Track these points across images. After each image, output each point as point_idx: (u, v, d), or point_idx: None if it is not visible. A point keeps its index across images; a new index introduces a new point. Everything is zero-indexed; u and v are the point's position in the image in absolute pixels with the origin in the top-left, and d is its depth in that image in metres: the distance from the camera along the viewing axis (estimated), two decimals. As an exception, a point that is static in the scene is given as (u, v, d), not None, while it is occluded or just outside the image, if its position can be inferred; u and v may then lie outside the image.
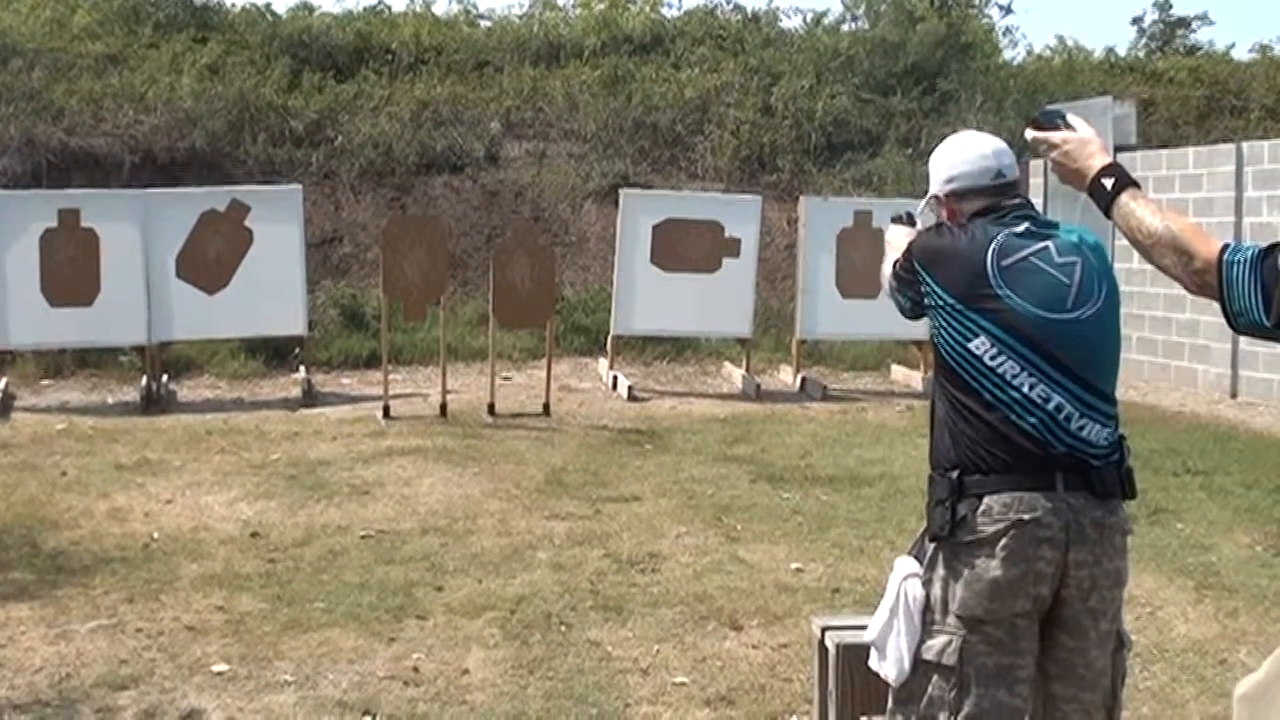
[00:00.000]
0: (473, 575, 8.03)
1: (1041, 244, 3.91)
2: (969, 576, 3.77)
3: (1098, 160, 3.67)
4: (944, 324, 3.92)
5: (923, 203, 4.25)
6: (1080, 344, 3.84)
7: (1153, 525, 9.24)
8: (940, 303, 3.93)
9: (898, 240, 4.42)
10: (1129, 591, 7.50)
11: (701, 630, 7.11)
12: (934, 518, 3.87)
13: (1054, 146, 3.81)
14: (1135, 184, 3.59)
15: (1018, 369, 3.79)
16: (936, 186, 4.15)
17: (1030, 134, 3.93)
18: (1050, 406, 3.78)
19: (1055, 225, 4.04)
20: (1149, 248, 3.43)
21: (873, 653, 4.01)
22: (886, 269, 4.36)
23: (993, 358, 3.80)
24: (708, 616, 7.31)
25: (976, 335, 3.83)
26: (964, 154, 4.13)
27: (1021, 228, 3.94)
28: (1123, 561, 3.92)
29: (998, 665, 3.78)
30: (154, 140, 18.57)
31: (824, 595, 7.67)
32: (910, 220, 4.55)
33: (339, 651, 6.74)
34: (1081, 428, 3.81)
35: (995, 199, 4.04)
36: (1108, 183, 3.60)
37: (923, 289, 4.00)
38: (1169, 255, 3.38)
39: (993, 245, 3.88)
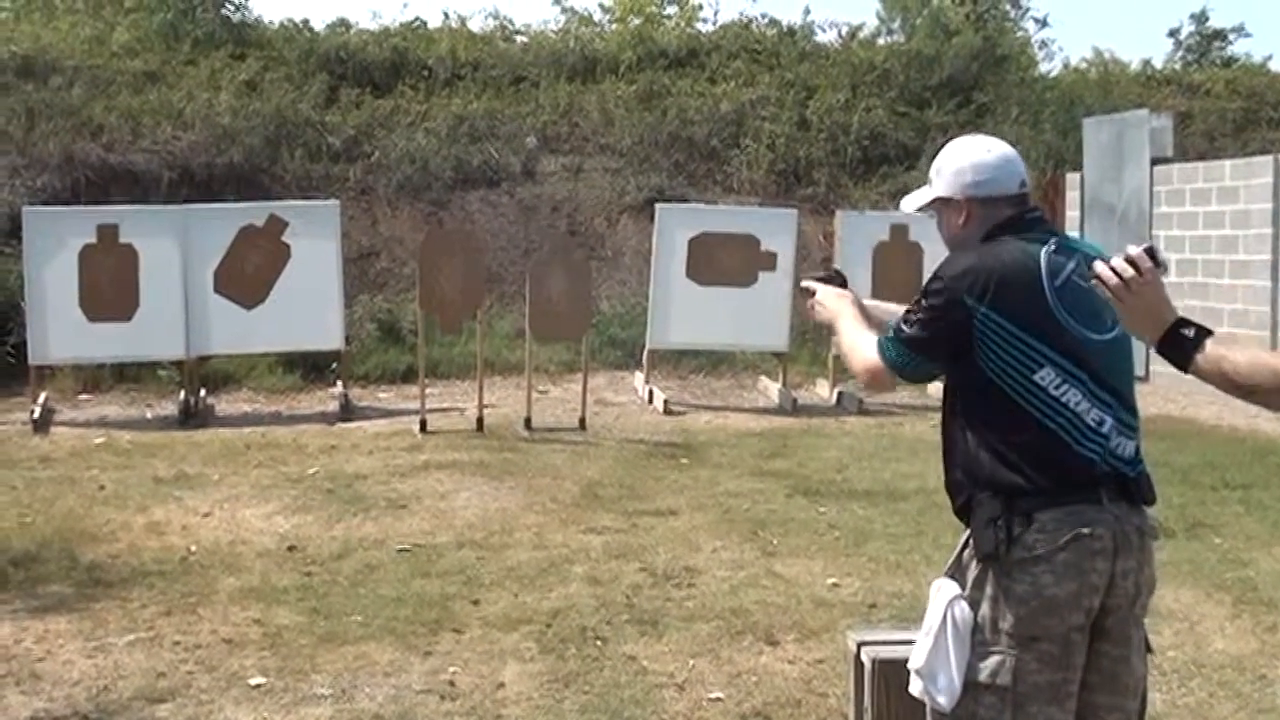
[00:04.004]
0: (508, 589, 8.03)
1: (1073, 258, 3.80)
2: (1024, 593, 3.69)
3: (1169, 311, 3.38)
4: (999, 353, 3.73)
5: (919, 201, 4.12)
6: (1120, 363, 3.82)
7: (1191, 539, 9.19)
8: (997, 332, 3.73)
9: (843, 307, 4.21)
10: (1166, 606, 7.52)
11: (737, 645, 7.09)
12: (985, 537, 3.76)
13: None
14: (1210, 331, 3.42)
15: (1079, 396, 3.71)
16: (954, 189, 3.97)
17: None
18: (1104, 430, 3.75)
19: (1067, 238, 3.97)
20: (1250, 390, 3.33)
21: (915, 680, 3.89)
22: (864, 343, 4.03)
23: (1057, 387, 3.70)
24: (743, 631, 7.29)
25: (1042, 365, 3.71)
26: (989, 157, 3.97)
27: (1054, 242, 3.84)
28: (1154, 567, 3.91)
29: (1050, 682, 3.71)
30: (192, 156, 18.69)
31: (860, 610, 7.64)
32: (842, 280, 4.34)
33: (375, 665, 6.75)
34: (1119, 445, 3.78)
35: (1021, 209, 3.94)
36: (1188, 332, 3.36)
37: (974, 322, 3.74)
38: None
39: (1043, 265, 3.76)
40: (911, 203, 4.16)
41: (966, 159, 3.99)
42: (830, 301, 4.24)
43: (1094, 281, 3.35)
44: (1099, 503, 3.72)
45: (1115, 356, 3.80)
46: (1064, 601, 3.69)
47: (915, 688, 3.92)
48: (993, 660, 3.74)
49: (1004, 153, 3.98)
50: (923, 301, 3.85)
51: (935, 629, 3.82)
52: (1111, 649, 3.80)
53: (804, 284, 4.29)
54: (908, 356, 3.87)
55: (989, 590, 3.76)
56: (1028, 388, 3.72)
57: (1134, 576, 3.78)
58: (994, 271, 3.76)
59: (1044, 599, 3.68)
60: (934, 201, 4.05)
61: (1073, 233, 16.22)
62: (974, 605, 3.79)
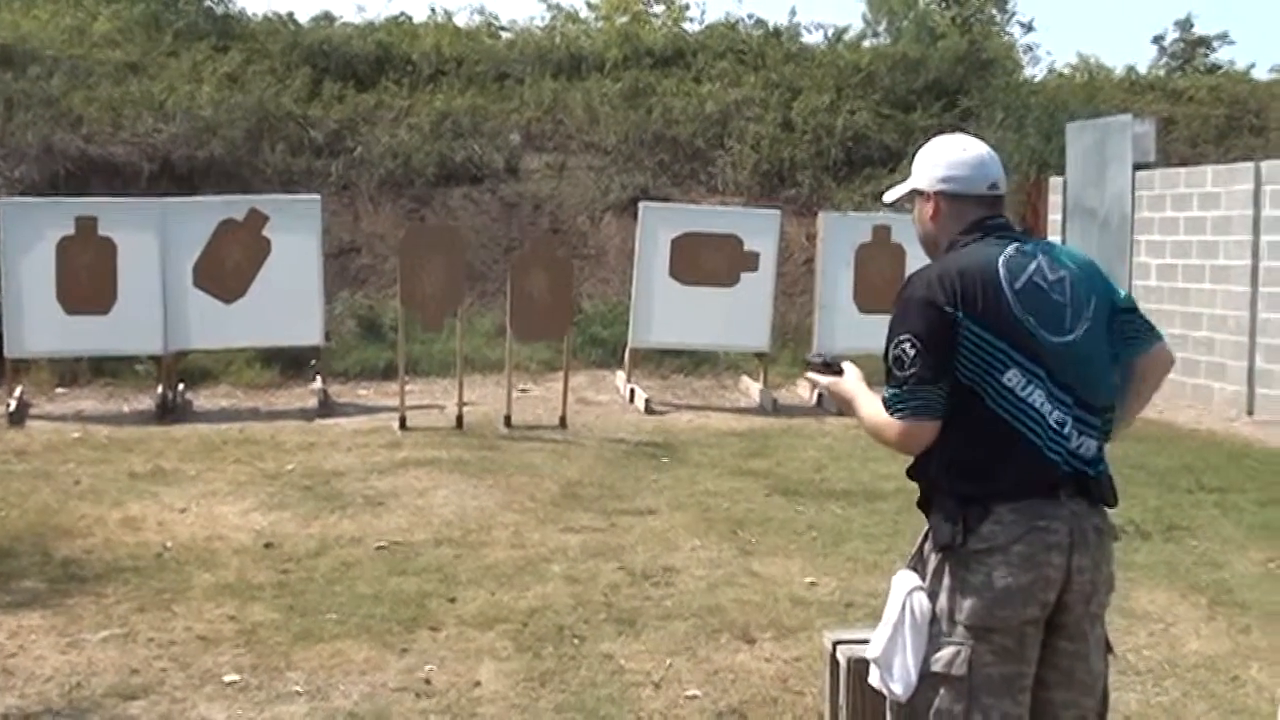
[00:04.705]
0: (486, 587, 8.01)
1: (1034, 261, 3.84)
2: (979, 585, 3.74)
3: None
4: (970, 356, 3.76)
5: (898, 192, 4.12)
6: (1081, 364, 3.82)
7: (1167, 542, 9.23)
8: (969, 336, 3.76)
9: (855, 389, 4.15)
10: (1141, 607, 7.54)
11: (714, 643, 7.08)
12: (943, 529, 3.82)
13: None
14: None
15: (1043, 397, 3.75)
16: (928, 182, 4.00)
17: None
18: (1065, 431, 3.78)
19: (1034, 239, 3.98)
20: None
21: (874, 670, 3.96)
22: (875, 409, 3.97)
23: (1023, 388, 3.74)
24: (720, 630, 7.28)
25: (1008, 367, 3.74)
26: (963, 155, 3.99)
27: (1013, 247, 3.87)
28: (1113, 567, 3.94)
29: (1004, 675, 3.76)
30: (173, 149, 18.60)
31: (837, 609, 7.65)
32: (837, 368, 4.26)
33: (351, 663, 6.72)
34: (1080, 445, 3.81)
35: (989, 211, 3.95)
36: None
37: (957, 328, 3.75)
38: None
39: (1002, 269, 3.80)
40: (892, 194, 4.18)
41: (942, 155, 4.02)
42: (840, 390, 4.20)
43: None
44: (1057, 499, 3.76)
45: (1074, 358, 3.81)
46: (1019, 594, 3.73)
47: (873, 677, 3.99)
48: (948, 651, 3.79)
49: (980, 153, 4.00)
50: (900, 338, 3.84)
51: (894, 619, 3.89)
52: (1068, 645, 3.85)
53: (808, 375, 4.32)
54: (920, 396, 3.81)
55: (946, 581, 3.82)
56: (998, 389, 3.76)
57: (1090, 574, 3.81)
58: (958, 277, 3.79)
59: (999, 591, 3.73)
60: (910, 193, 4.08)
61: (1054, 237, 16.25)
62: (932, 596, 3.86)
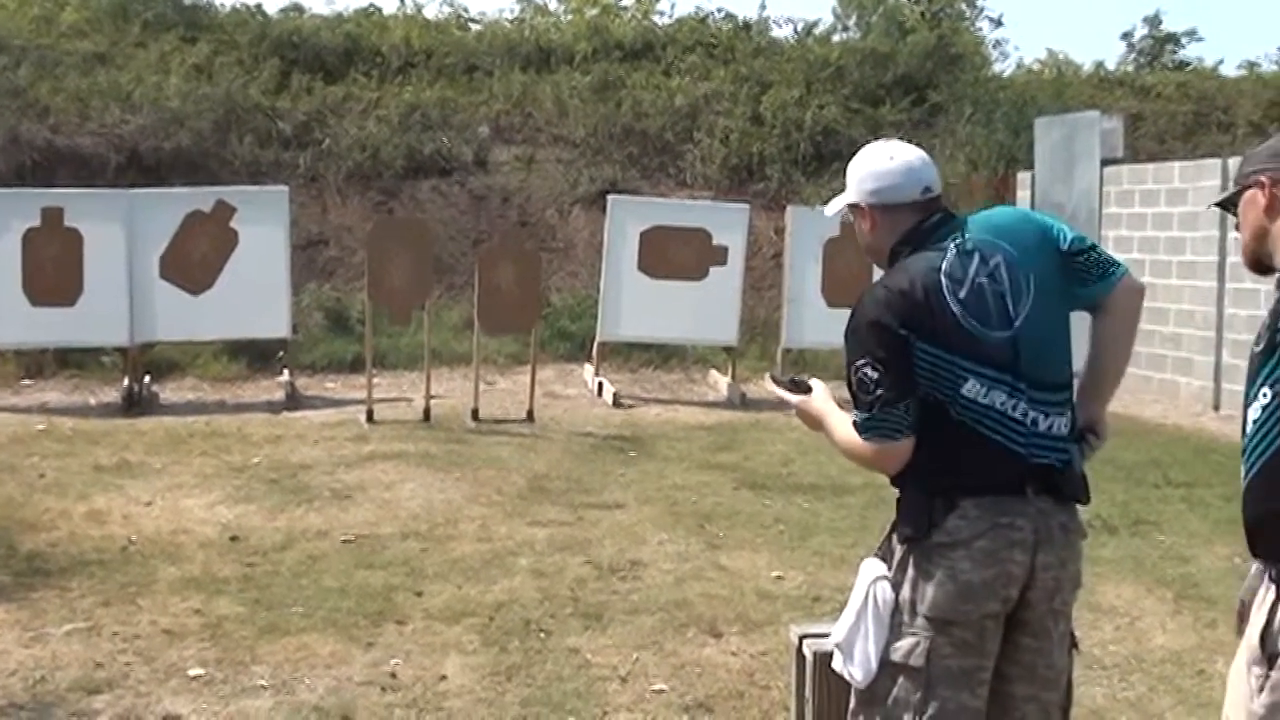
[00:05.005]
0: (452, 581, 8.00)
1: (972, 259, 3.82)
2: (941, 578, 3.75)
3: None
4: (928, 374, 3.76)
5: (836, 206, 4.09)
6: (1032, 347, 3.81)
7: (1133, 536, 9.26)
8: (923, 356, 3.75)
9: (824, 408, 4.13)
10: (1108, 601, 7.56)
11: (681, 637, 7.08)
12: (908, 521, 3.84)
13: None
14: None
15: (1004, 395, 3.75)
16: (859, 195, 3.99)
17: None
18: (1028, 421, 3.78)
19: (966, 225, 3.92)
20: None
21: (837, 654, 3.99)
22: (847, 430, 3.94)
23: (984, 395, 3.74)
24: (687, 624, 7.28)
25: (966, 379, 3.74)
26: (890, 164, 3.95)
27: (952, 248, 3.84)
28: (1081, 564, 3.94)
29: (962, 667, 3.77)
30: (140, 140, 18.52)
31: (804, 603, 7.65)
32: (805, 386, 4.25)
33: (316, 656, 6.70)
34: (1050, 426, 3.81)
35: (924, 215, 3.92)
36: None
37: (914, 357, 3.75)
38: None
39: (945, 280, 3.77)
40: (830, 208, 4.15)
41: (868, 166, 3.99)
42: (809, 409, 4.19)
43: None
44: (1023, 495, 3.77)
45: (1025, 344, 3.80)
46: (979, 588, 3.74)
47: (836, 662, 4.01)
48: (907, 641, 3.82)
49: (906, 160, 3.96)
50: (859, 363, 3.82)
51: (858, 606, 3.91)
52: (1031, 641, 3.86)
53: (775, 391, 4.30)
54: (890, 417, 3.79)
55: (910, 572, 3.84)
56: (958, 400, 3.76)
57: (1055, 571, 3.82)
58: (902, 298, 3.77)
59: (960, 584, 3.74)
60: (846, 207, 4.06)
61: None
62: (896, 586, 3.88)
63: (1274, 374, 3.35)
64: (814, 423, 4.17)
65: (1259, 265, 3.63)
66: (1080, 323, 3.96)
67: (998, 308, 3.78)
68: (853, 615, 3.91)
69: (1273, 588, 3.38)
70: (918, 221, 3.92)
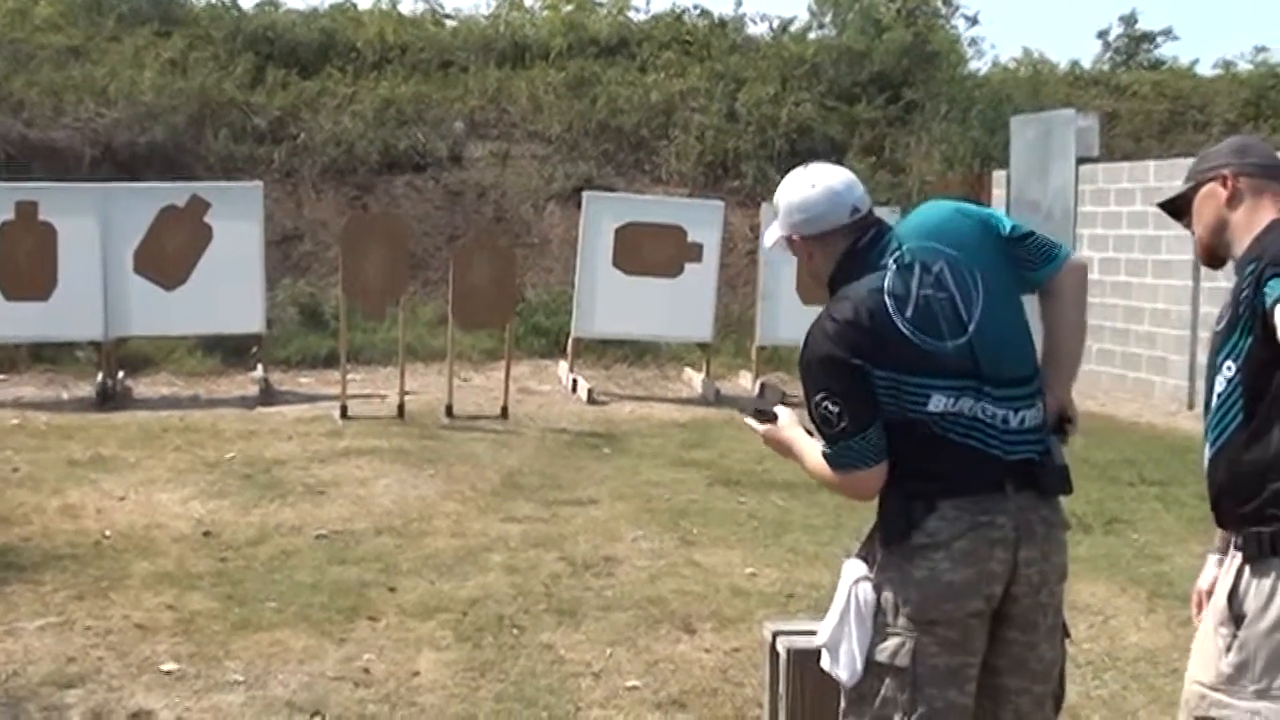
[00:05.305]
0: (426, 577, 7.99)
1: (913, 272, 3.80)
2: (923, 579, 3.75)
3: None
4: (890, 398, 3.75)
5: (771, 239, 4.08)
6: (991, 347, 3.80)
7: (1108, 534, 9.29)
8: (881, 382, 3.74)
9: (792, 436, 4.11)
10: (1082, 599, 7.58)
11: (655, 634, 7.08)
12: (889, 523, 3.85)
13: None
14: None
15: (971, 401, 3.75)
16: (788, 228, 3.99)
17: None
18: (998, 420, 3.78)
19: (902, 236, 3.90)
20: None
21: (824, 655, 3.99)
22: (817, 458, 3.93)
23: (952, 405, 3.73)
24: (661, 620, 7.29)
25: (930, 395, 3.73)
26: (812, 192, 3.94)
27: (891, 265, 3.82)
28: (1066, 556, 3.94)
29: (949, 666, 3.77)
30: (114, 134, 18.44)
31: (778, 600, 7.66)
32: (771, 415, 4.20)
33: (289, 652, 6.69)
34: (1021, 421, 3.82)
35: (856, 236, 3.91)
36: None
37: (875, 381, 3.74)
38: None
39: (889, 302, 3.76)
40: (767, 240, 4.15)
41: (791, 197, 3.99)
42: (777, 438, 4.17)
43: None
44: (1002, 492, 3.77)
45: (983, 345, 3.79)
46: (961, 588, 3.75)
47: (824, 662, 4.01)
48: (892, 642, 3.82)
49: (828, 185, 3.95)
50: (818, 399, 3.81)
51: (841, 607, 3.91)
52: (1019, 635, 3.87)
53: (746, 420, 4.27)
54: (858, 447, 3.79)
55: (892, 573, 3.84)
56: (925, 417, 3.76)
57: (1039, 565, 3.82)
58: (850, 329, 3.76)
59: (942, 585, 3.74)
60: (780, 239, 4.05)
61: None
62: (878, 588, 3.87)
63: (1236, 349, 3.54)
64: (782, 450, 4.16)
65: (1214, 258, 3.80)
66: (1031, 309, 3.98)
67: (949, 316, 3.77)
68: (836, 616, 3.91)
69: (1238, 554, 3.60)
70: (851, 243, 3.92)
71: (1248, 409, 3.54)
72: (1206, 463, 3.73)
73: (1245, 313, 3.49)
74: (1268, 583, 3.51)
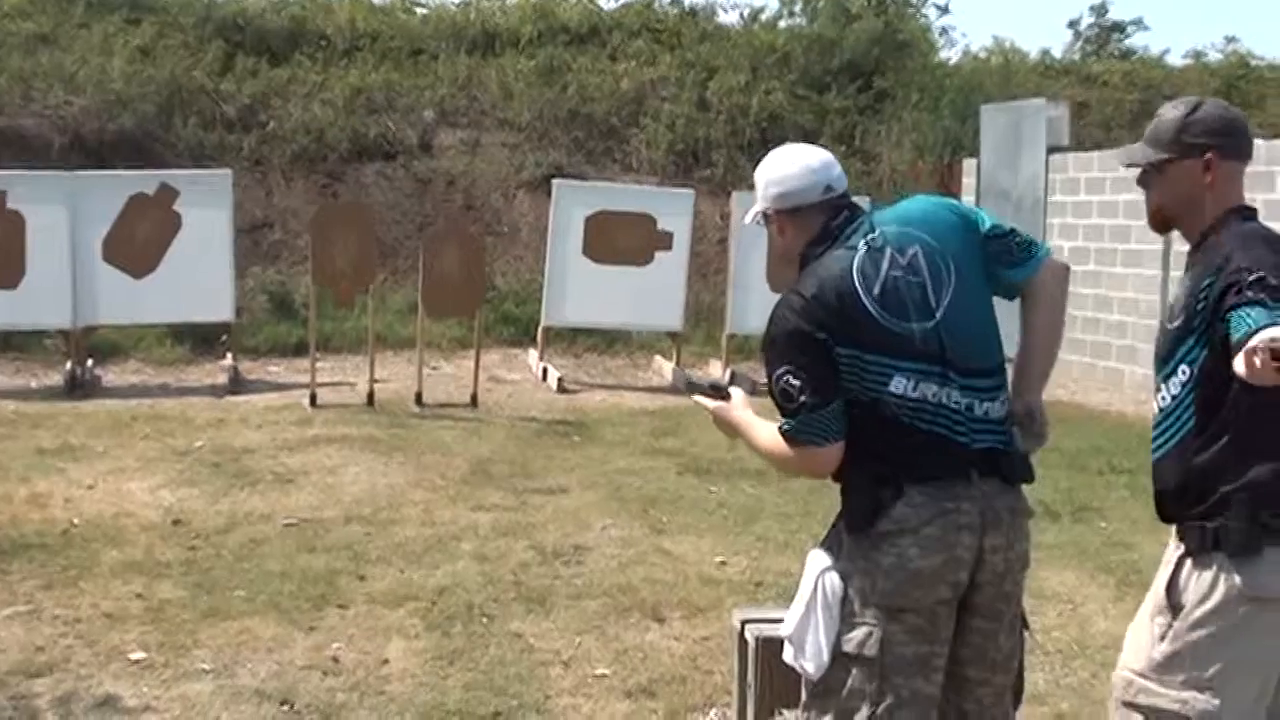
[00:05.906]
0: (395, 565, 7.98)
1: (884, 254, 3.82)
2: (890, 566, 3.74)
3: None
4: (853, 376, 3.76)
5: (751, 214, 4.11)
6: (957, 334, 3.81)
7: (1076, 523, 9.32)
8: (844, 359, 3.75)
9: (742, 417, 4.13)
10: (1051, 587, 7.60)
11: (624, 622, 7.09)
12: (854, 510, 3.85)
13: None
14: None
15: (935, 387, 3.75)
16: (765, 202, 4.03)
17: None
18: (962, 407, 3.78)
19: (877, 221, 3.93)
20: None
21: (788, 647, 3.98)
22: (770, 437, 3.96)
23: (914, 390, 3.74)
24: (631, 608, 7.29)
25: (892, 376, 3.74)
26: (791, 169, 3.99)
27: (862, 246, 3.84)
28: (1029, 545, 3.95)
29: (917, 654, 3.77)
30: (83, 122, 18.36)
31: (747, 588, 7.67)
32: (724, 392, 4.27)
33: (258, 640, 6.69)
34: (985, 410, 3.83)
35: (830, 215, 3.94)
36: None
37: (837, 358, 3.74)
38: None
39: (857, 278, 3.78)
40: (747, 216, 4.18)
41: (770, 173, 4.04)
42: (727, 417, 4.19)
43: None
44: (968, 479, 3.78)
45: (949, 332, 3.80)
46: (929, 575, 3.75)
47: (787, 655, 4.00)
48: (860, 631, 3.81)
49: (806, 162, 4.00)
50: (780, 373, 3.82)
51: (806, 598, 3.91)
52: (982, 624, 3.87)
53: (695, 398, 4.29)
54: (817, 422, 3.79)
55: (859, 562, 3.84)
56: (887, 399, 3.76)
57: (1003, 554, 3.83)
58: (816, 303, 3.78)
59: (909, 572, 3.75)
60: (758, 214, 4.08)
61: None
62: (845, 577, 3.86)
63: (1191, 356, 3.57)
64: (730, 430, 4.19)
65: (1166, 227, 3.88)
66: (1009, 308, 3.99)
67: (917, 299, 3.79)
68: (802, 607, 3.90)
69: (1180, 545, 3.69)
70: (825, 221, 3.94)
71: (1199, 416, 3.59)
72: (1154, 461, 3.75)
73: (1201, 325, 3.53)
74: (1208, 575, 3.57)
